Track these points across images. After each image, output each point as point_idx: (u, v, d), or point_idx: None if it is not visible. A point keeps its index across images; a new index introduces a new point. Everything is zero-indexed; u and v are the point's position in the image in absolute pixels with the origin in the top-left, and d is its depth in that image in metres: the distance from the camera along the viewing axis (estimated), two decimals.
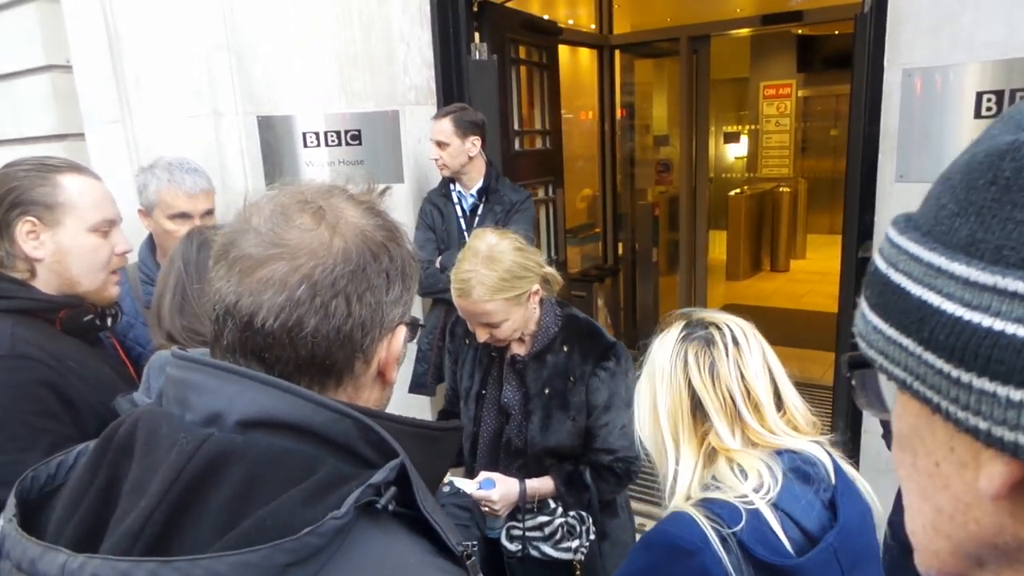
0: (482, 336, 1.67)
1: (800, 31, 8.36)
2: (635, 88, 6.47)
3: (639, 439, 1.14)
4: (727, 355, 1.08)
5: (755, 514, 0.97)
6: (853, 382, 0.48)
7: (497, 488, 1.68)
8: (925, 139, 2.14)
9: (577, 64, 5.68)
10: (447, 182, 2.90)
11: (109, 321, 1.45)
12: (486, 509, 1.69)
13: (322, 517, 0.55)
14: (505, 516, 1.74)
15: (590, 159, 5.80)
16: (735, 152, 9.93)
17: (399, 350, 0.74)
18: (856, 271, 2.55)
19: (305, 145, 2.97)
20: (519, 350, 1.78)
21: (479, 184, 2.85)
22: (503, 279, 1.59)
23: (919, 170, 2.15)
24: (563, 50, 4.73)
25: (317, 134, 2.97)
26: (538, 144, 4.13)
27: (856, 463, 1.21)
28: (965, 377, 0.34)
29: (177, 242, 1.35)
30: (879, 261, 0.41)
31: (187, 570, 0.52)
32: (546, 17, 4.90)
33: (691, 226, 5.72)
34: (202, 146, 2.79)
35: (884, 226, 2.27)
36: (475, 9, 3.18)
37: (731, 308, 4.84)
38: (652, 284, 5.66)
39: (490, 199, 2.85)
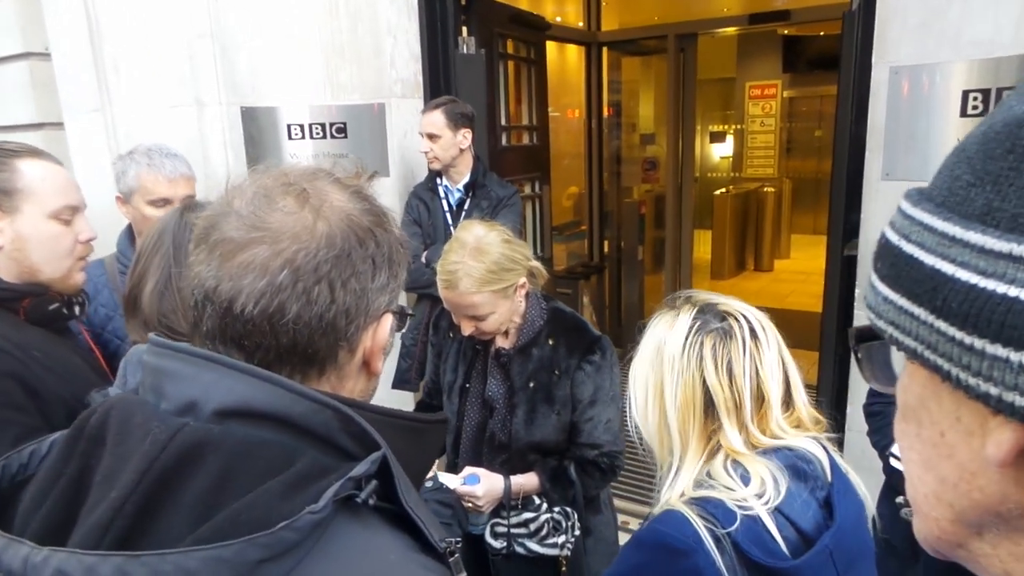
0: (467, 329, 1.65)
1: (786, 32, 8.41)
2: (622, 86, 6.48)
3: (635, 427, 1.08)
4: (744, 350, 1.02)
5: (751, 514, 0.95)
6: (859, 355, 0.48)
7: (482, 484, 1.66)
8: (911, 138, 2.14)
9: (565, 61, 5.68)
10: (434, 176, 2.88)
11: (76, 310, 1.41)
12: (469, 505, 1.67)
13: (299, 511, 0.53)
14: (489, 513, 1.72)
15: (577, 156, 5.80)
16: (721, 152, 9.98)
17: (385, 339, 0.72)
18: (841, 270, 2.55)
19: (290, 137, 2.94)
20: (504, 343, 1.76)
21: (466, 179, 2.83)
22: (490, 271, 1.57)
23: (905, 169, 2.16)
24: (551, 46, 4.71)
25: (302, 126, 2.94)
26: (525, 140, 4.10)
27: None
28: (978, 343, 0.35)
29: (162, 219, 1.28)
30: (890, 233, 0.42)
31: (155, 565, 0.50)
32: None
33: (677, 225, 5.74)
34: (184, 136, 2.74)
35: (870, 225, 2.28)
36: (463, 2, 3.16)
37: None
38: (637, 282, 5.67)
39: (477, 194, 2.84)
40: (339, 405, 0.60)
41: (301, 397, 0.60)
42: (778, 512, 0.97)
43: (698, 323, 1.04)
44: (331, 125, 2.95)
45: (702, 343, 1.02)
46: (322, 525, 0.54)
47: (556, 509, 1.73)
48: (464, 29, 3.18)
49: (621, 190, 6.18)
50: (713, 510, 0.95)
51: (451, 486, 1.63)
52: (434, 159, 2.76)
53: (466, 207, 2.82)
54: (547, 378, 1.71)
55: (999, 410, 0.35)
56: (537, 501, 1.73)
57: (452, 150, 2.75)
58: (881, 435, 1.75)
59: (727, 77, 9.47)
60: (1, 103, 3.45)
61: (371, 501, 0.58)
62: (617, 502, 3.48)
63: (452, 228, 2.75)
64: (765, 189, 8.86)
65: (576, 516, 1.75)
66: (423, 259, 2.74)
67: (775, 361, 1.04)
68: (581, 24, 5.63)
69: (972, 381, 0.36)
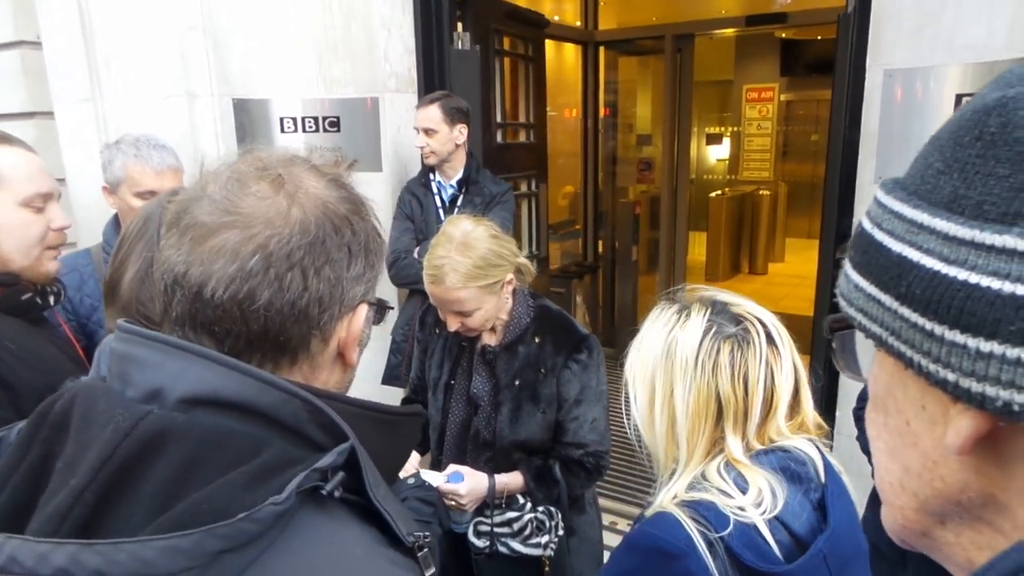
0: (453, 325, 1.64)
1: (784, 35, 8.42)
2: (619, 86, 6.47)
3: (634, 425, 1.05)
4: (761, 359, 0.99)
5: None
6: (833, 344, 0.48)
7: (465, 482, 1.65)
8: (905, 141, 2.14)
9: (562, 60, 5.67)
10: (427, 172, 2.86)
11: (51, 299, 1.39)
12: (452, 503, 1.66)
13: (262, 502, 0.51)
14: (472, 511, 1.71)
15: (573, 156, 5.79)
16: (717, 154, 9.99)
17: (360, 330, 0.70)
18: (833, 274, 2.55)
19: (282, 130, 2.92)
20: (490, 340, 1.75)
21: (460, 175, 2.82)
22: (477, 266, 1.56)
23: (898, 173, 2.14)
24: (548, 45, 4.70)
25: (295, 119, 2.92)
26: (522, 137, 4.08)
27: None
28: (938, 330, 0.35)
29: (147, 205, 1.24)
30: (865, 221, 0.42)
31: (110, 555, 0.48)
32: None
33: (671, 226, 5.74)
34: (176, 128, 2.72)
35: None
36: None
37: None
38: (631, 282, 5.66)
39: (470, 190, 2.82)
40: (308, 395, 0.59)
41: (269, 386, 0.59)
42: (772, 517, 0.95)
43: (713, 327, 1.00)
44: (324, 119, 2.93)
45: (718, 350, 0.99)
46: (285, 517, 0.53)
47: (540, 509, 1.72)
48: (459, 24, 3.16)
49: (616, 190, 6.17)
50: (705, 512, 0.93)
51: (434, 484, 1.61)
52: (430, 154, 2.74)
53: (459, 203, 2.81)
54: (533, 376, 1.70)
55: (957, 397, 0.35)
56: (521, 500, 1.72)
57: (448, 145, 2.73)
58: None
59: (725, 79, 9.47)
60: None
61: (337, 493, 0.56)
62: (605, 502, 3.49)
63: None
64: (761, 192, 8.87)
65: (560, 516, 1.73)
66: (415, 254, 2.73)
67: (790, 368, 1.02)
68: (578, 23, 5.63)
69: (932, 368, 0.36)
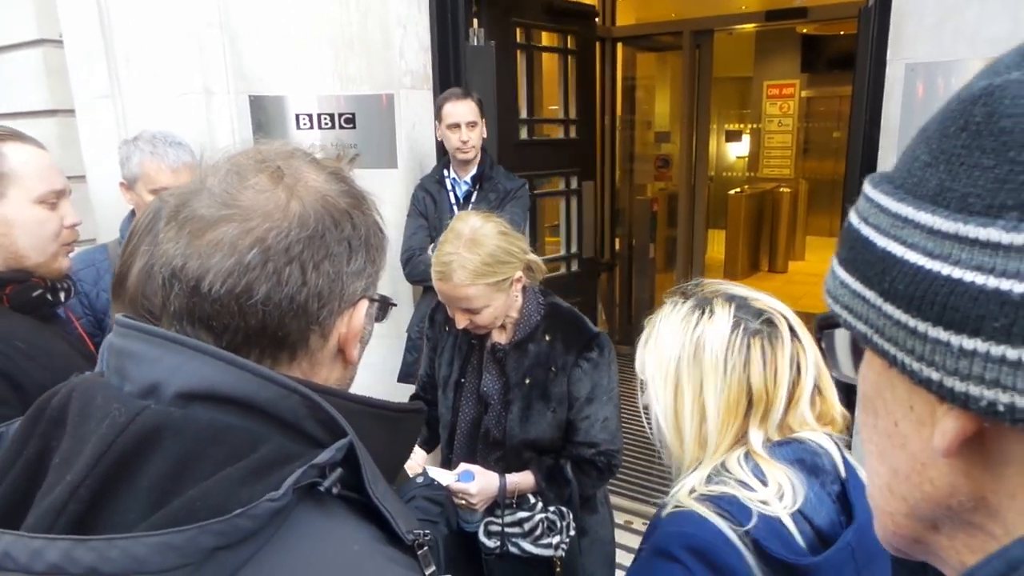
0: (461, 322, 1.63)
1: (804, 30, 8.31)
2: (637, 82, 6.42)
3: (656, 418, 1.03)
4: (787, 353, 0.99)
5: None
6: (823, 344, 0.47)
7: (476, 482, 1.64)
8: None
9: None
10: (441, 168, 2.86)
11: (62, 296, 1.40)
12: (462, 502, 1.65)
13: (259, 498, 0.51)
14: (483, 511, 1.70)
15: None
16: (736, 151, 9.89)
17: (360, 326, 0.69)
18: None
19: (298, 127, 2.93)
20: (500, 338, 1.74)
21: (474, 171, 2.81)
22: (485, 263, 1.54)
23: None
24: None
25: (310, 116, 2.93)
26: (557, 134, 3.94)
27: None
28: (921, 327, 0.34)
29: (157, 199, 1.24)
30: (852, 216, 0.41)
31: (103, 551, 0.48)
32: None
33: (689, 224, 5.69)
34: (193, 124, 2.74)
35: None
36: None
37: None
38: (648, 281, 5.63)
39: (484, 186, 2.81)
40: (306, 391, 0.58)
41: (268, 382, 0.58)
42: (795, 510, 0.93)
43: (741, 322, 1.00)
44: (340, 116, 2.94)
45: (748, 345, 0.98)
46: (282, 513, 0.52)
47: (551, 509, 1.71)
48: (475, 21, 3.15)
49: (634, 187, 6.13)
50: (728, 507, 0.91)
51: (444, 482, 1.61)
52: (470, 148, 2.73)
53: (473, 199, 2.80)
54: (543, 375, 1.69)
55: (942, 396, 0.34)
56: (532, 500, 1.71)
57: (481, 140, 2.75)
58: None
59: (744, 76, 9.37)
60: (16, 90, 3.47)
61: (335, 490, 0.56)
62: (619, 501, 3.47)
63: None
64: (781, 189, 8.77)
65: (571, 516, 1.72)
66: (429, 251, 2.73)
67: (814, 360, 1.01)
68: (596, 19, 5.59)
69: (916, 366, 0.35)
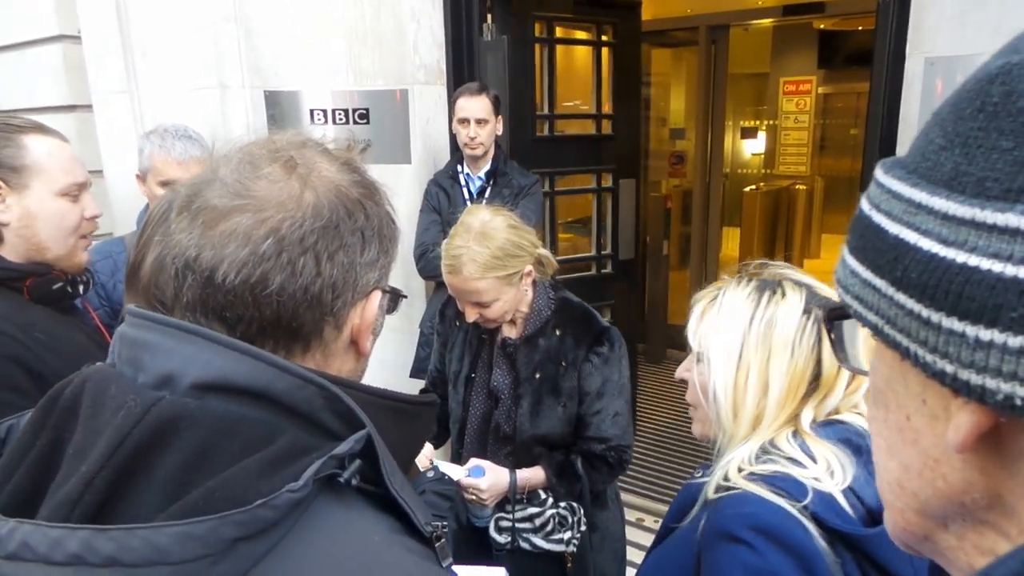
0: (471, 316, 1.62)
1: (822, 26, 8.22)
2: (652, 78, 6.39)
3: (714, 388, 1.02)
4: None
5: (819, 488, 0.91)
6: (832, 335, 0.45)
7: (486, 477, 1.63)
8: None
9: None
10: (455, 164, 2.85)
11: (81, 288, 1.41)
12: (472, 498, 1.65)
13: (278, 489, 0.50)
14: (493, 507, 1.70)
15: None
16: (752, 148, 9.81)
17: (374, 317, 0.69)
18: None
19: (312, 122, 2.94)
20: (510, 333, 1.73)
21: (488, 166, 2.81)
22: (495, 257, 1.54)
23: None
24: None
25: (324, 111, 2.94)
26: (591, 129, 3.76)
27: None
28: (935, 317, 0.33)
29: (171, 190, 1.25)
30: (863, 203, 0.39)
31: (123, 540, 0.47)
32: None
33: (704, 220, 5.65)
34: (208, 119, 2.76)
35: None
36: None
37: None
38: (662, 278, 5.60)
39: (498, 182, 2.81)
40: (323, 381, 0.58)
41: (283, 372, 0.57)
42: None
43: (812, 309, 1.02)
44: (354, 111, 2.95)
45: (819, 329, 1.00)
46: (302, 505, 0.52)
47: (562, 504, 1.70)
48: (489, 16, 3.14)
49: (648, 184, 6.10)
50: (783, 484, 0.91)
51: (455, 477, 1.60)
52: (479, 145, 2.72)
53: (487, 195, 2.79)
54: (553, 369, 1.68)
55: (956, 390, 0.33)
56: (543, 496, 1.70)
57: (492, 137, 2.74)
58: None
59: (761, 72, 9.29)
60: (36, 85, 3.51)
61: (354, 481, 0.55)
62: (632, 498, 3.46)
63: None
64: (796, 187, 8.69)
65: (582, 511, 1.71)
66: (442, 247, 2.72)
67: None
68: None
69: (929, 358, 0.34)
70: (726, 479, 0.95)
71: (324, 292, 0.63)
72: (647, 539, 3.10)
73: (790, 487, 0.90)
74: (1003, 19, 1.92)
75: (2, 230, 1.28)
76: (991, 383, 0.31)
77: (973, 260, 0.31)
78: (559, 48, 3.64)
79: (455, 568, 0.60)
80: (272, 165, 0.63)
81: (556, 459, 1.71)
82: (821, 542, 0.87)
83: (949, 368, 0.33)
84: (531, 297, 1.70)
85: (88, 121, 3.25)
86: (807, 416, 0.99)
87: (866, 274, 0.38)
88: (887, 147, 2.27)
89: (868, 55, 2.53)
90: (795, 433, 0.98)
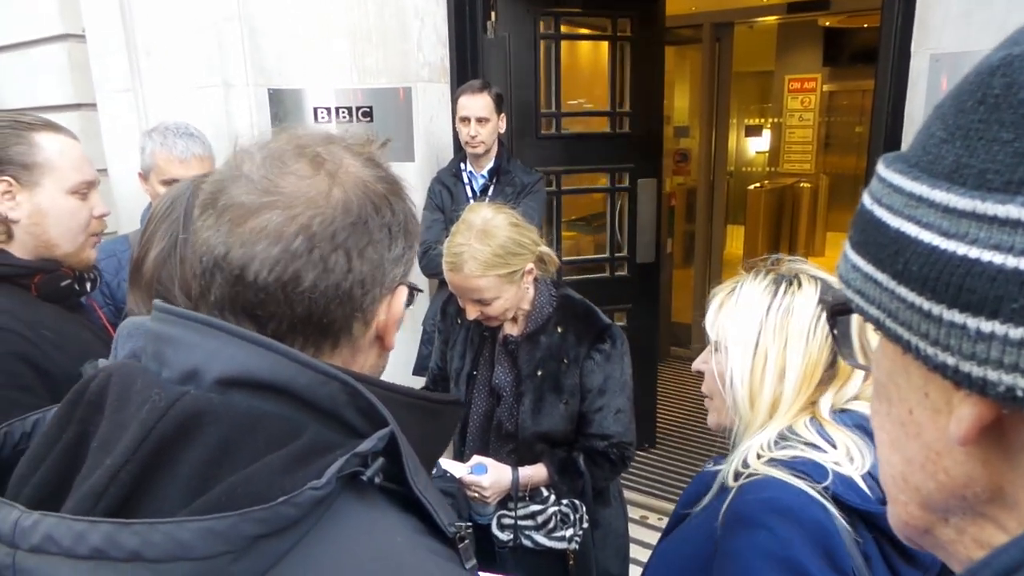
0: (472, 313, 1.62)
1: (827, 23, 8.19)
2: None
3: (731, 376, 1.04)
4: None
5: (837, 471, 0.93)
6: (835, 331, 0.45)
7: (489, 474, 1.63)
8: None
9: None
10: (458, 162, 2.85)
11: (88, 286, 1.41)
12: (474, 495, 1.65)
13: (301, 486, 0.50)
14: (495, 504, 1.70)
15: None
16: (757, 146, 9.78)
17: (401, 311, 0.69)
18: None
19: (316, 120, 2.94)
20: (512, 330, 1.73)
21: (491, 164, 2.81)
22: (496, 254, 1.54)
23: None
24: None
25: (328, 109, 2.94)
26: (605, 127, 3.61)
27: None
28: (936, 310, 0.33)
29: (175, 187, 1.24)
30: (865, 198, 0.39)
31: (146, 535, 0.47)
32: None
33: (708, 219, 5.64)
34: (212, 118, 2.76)
35: None
36: None
37: None
38: (666, 276, 5.58)
39: (501, 180, 2.81)
40: (346, 377, 0.58)
41: (306, 368, 0.57)
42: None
43: (825, 296, 1.04)
44: (357, 109, 2.95)
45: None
46: (325, 503, 0.52)
47: (564, 501, 1.71)
48: (493, 13, 3.13)
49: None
50: (803, 468, 0.92)
51: (457, 475, 1.61)
52: (479, 144, 2.72)
53: (490, 193, 2.79)
54: (555, 367, 1.68)
55: (958, 382, 0.33)
56: (545, 493, 1.71)
57: (495, 135, 2.73)
58: None
59: (766, 70, 9.26)
60: (41, 84, 3.52)
61: (377, 480, 0.55)
62: (636, 496, 3.46)
63: None
64: (801, 185, 8.67)
65: (584, 509, 1.72)
66: (445, 245, 2.73)
67: None
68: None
69: (931, 351, 0.34)
70: (745, 465, 0.97)
71: (354, 288, 0.63)
72: (651, 536, 3.11)
73: (811, 470, 0.92)
74: (1009, 16, 1.91)
75: (12, 227, 1.29)
76: (992, 375, 0.31)
77: (974, 252, 0.31)
78: (576, 44, 3.58)
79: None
80: (299, 161, 0.63)
81: (558, 456, 1.71)
82: (841, 521, 0.88)
83: (951, 361, 0.33)
84: (533, 295, 1.70)
85: (92, 120, 3.26)
86: (825, 403, 1.01)
87: (868, 268, 0.38)
88: (892, 144, 2.26)
89: (873, 53, 2.52)
90: (813, 419, 1.00)
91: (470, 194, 2.81)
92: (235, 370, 0.57)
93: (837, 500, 0.90)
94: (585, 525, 1.72)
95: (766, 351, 1.02)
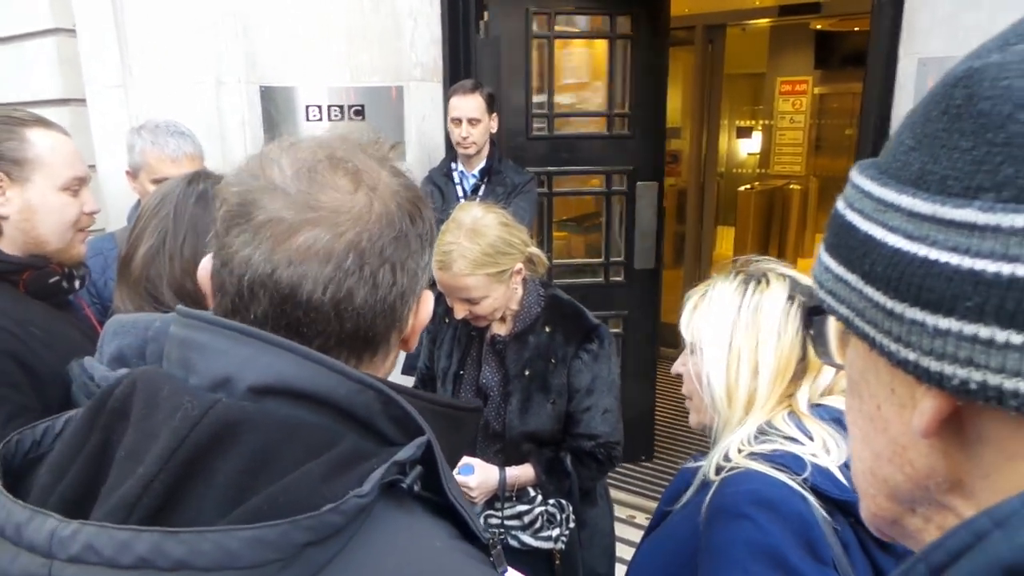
0: (460, 312, 1.63)
1: (819, 26, 8.23)
2: None
3: (708, 375, 1.06)
4: None
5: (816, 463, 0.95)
6: (812, 331, 0.47)
7: (476, 474, 1.64)
8: None
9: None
10: (449, 161, 2.86)
11: (77, 283, 1.41)
12: None
13: (342, 495, 0.50)
14: (482, 504, 1.70)
15: None
16: (747, 148, 9.82)
17: (427, 316, 0.70)
18: None
19: (307, 118, 2.94)
20: (500, 330, 1.74)
21: (482, 164, 2.81)
22: (486, 253, 1.54)
23: None
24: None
25: (320, 107, 2.93)
26: (602, 128, 3.57)
27: None
28: (899, 308, 0.35)
29: (165, 184, 1.23)
30: (839, 203, 0.42)
31: (194, 544, 0.47)
32: None
33: (698, 220, 5.66)
34: (203, 114, 2.75)
35: None
36: None
37: None
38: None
39: (493, 180, 2.81)
40: (382, 386, 0.57)
41: (344, 377, 0.57)
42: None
43: (795, 297, 1.07)
44: (349, 107, 2.94)
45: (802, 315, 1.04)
46: (367, 510, 0.52)
47: (551, 501, 1.71)
48: (486, 13, 3.13)
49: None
50: (783, 460, 0.95)
51: None
52: (471, 144, 2.72)
53: (481, 192, 2.80)
54: (543, 366, 1.69)
55: (919, 377, 0.35)
56: (532, 493, 1.71)
57: (486, 135, 2.73)
58: None
59: (757, 72, 9.30)
60: (31, 78, 3.50)
61: (416, 487, 0.56)
62: (623, 495, 3.47)
63: None
64: (791, 187, 8.71)
65: (571, 509, 1.72)
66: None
67: None
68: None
69: (894, 347, 0.36)
70: (727, 459, 0.99)
71: (397, 301, 0.63)
72: (639, 536, 3.11)
73: (790, 462, 0.94)
74: (995, 21, 1.91)
75: (1, 223, 1.28)
76: (948, 369, 0.33)
77: (933, 254, 0.33)
78: (575, 43, 3.53)
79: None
80: (336, 174, 0.62)
81: (545, 456, 1.71)
82: (821, 512, 0.91)
83: (912, 356, 0.35)
84: (521, 294, 1.71)
85: (82, 115, 3.24)
86: (803, 397, 1.03)
87: (839, 270, 0.40)
88: (880, 148, 2.24)
89: (864, 56, 2.54)
90: (791, 414, 1.02)
91: (461, 194, 2.82)
92: (271, 378, 0.56)
93: (816, 491, 0.92)
94: (571, 525, 1.73)
95: (739, 349, 1.05)
